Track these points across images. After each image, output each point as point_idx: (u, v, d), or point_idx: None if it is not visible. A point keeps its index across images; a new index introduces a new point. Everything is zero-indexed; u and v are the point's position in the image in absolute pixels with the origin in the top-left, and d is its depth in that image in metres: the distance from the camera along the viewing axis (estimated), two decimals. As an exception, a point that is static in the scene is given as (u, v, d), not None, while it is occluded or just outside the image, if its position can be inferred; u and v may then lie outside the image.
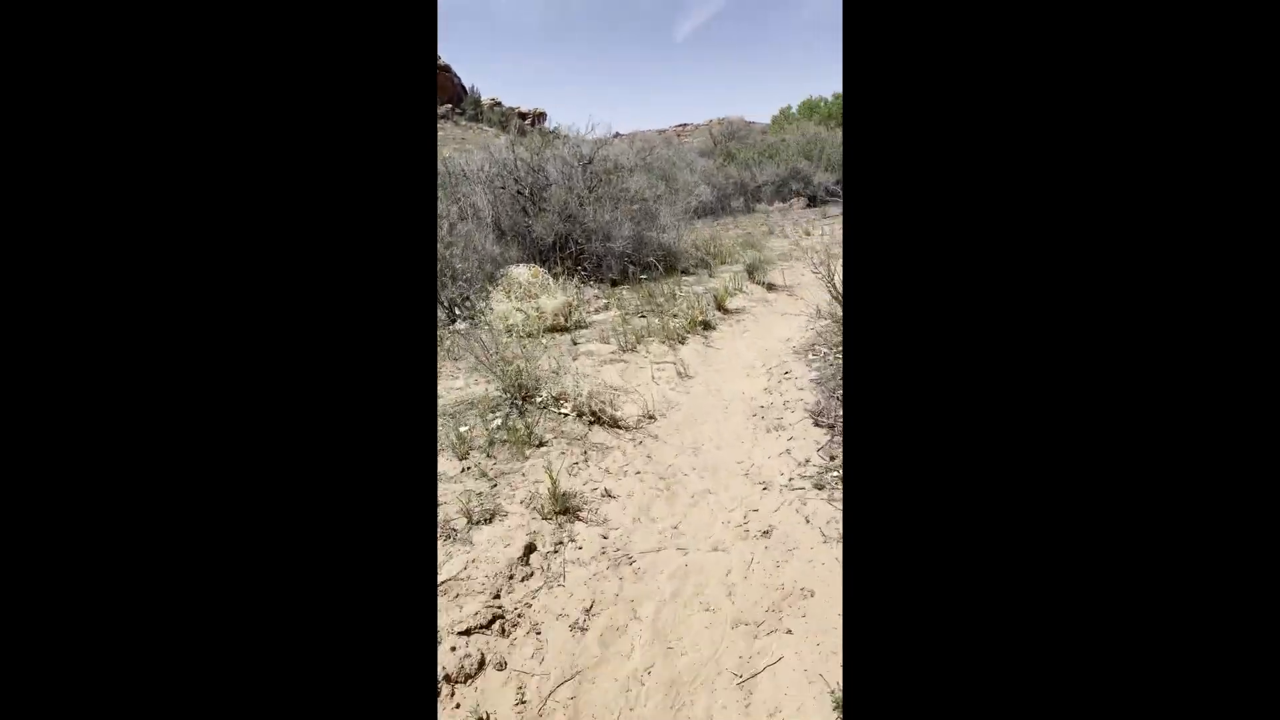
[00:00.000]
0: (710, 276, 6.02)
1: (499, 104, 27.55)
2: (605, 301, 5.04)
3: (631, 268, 5.74)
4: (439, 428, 2.59)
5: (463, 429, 2.58)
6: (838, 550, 1.82)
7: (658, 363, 3.70)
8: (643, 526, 2.04)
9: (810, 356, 3.60)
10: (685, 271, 6.12)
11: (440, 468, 2.31)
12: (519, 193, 5.89)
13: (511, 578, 1.75)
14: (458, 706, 1.37)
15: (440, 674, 1.43)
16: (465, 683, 1.42)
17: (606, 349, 3.87)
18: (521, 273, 4.76)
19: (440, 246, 4.68)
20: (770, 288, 5.79)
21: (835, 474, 2.23)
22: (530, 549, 1.87)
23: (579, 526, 2.02)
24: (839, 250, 7.47)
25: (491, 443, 2.50)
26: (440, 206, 5.41)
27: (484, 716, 1.35)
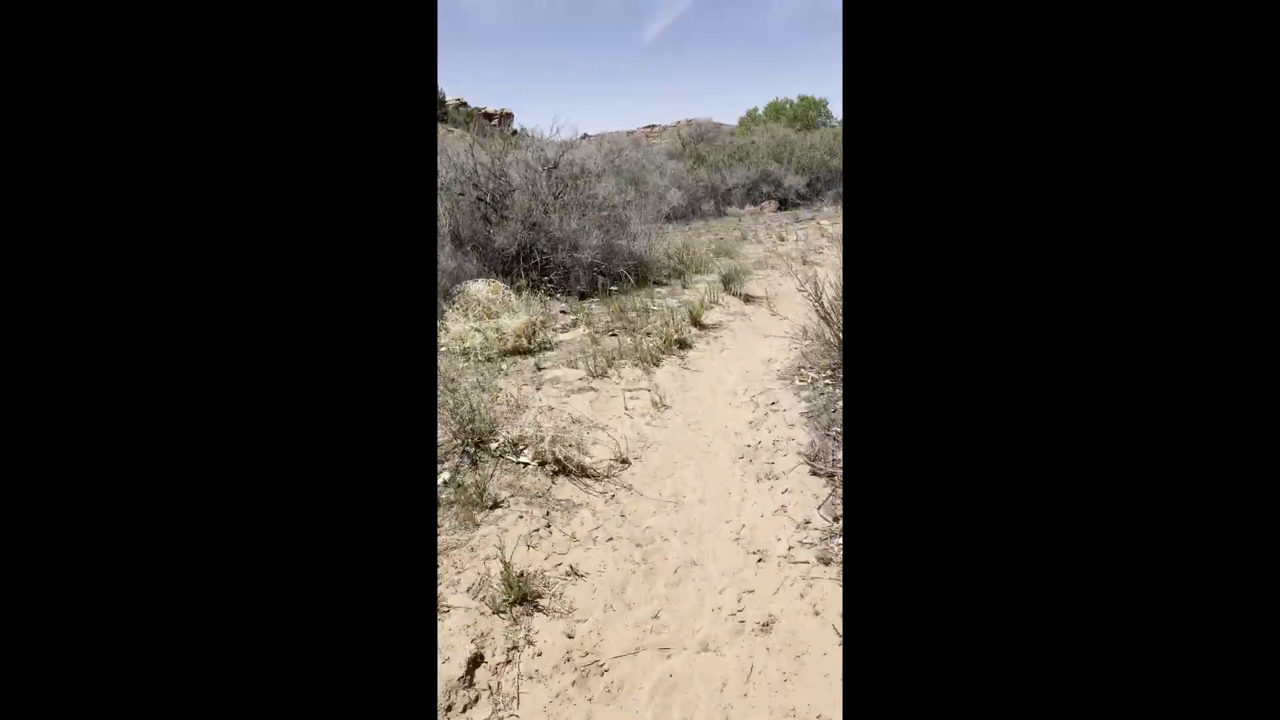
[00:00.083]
0: (684, 288, 5.70)
1: (464, 104, 26.87)
2: (573, 318, 4.67)
3: (601, 279, 5.38)
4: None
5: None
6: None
7: (631, 390, 3.34)
8: (617, 617, 1.69)
9: (797, 382, 3.28)
10: (658, 282, 5.78)
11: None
12: (479, 200, 5.48)
13: (450, 709, 1.37)
14: None
15: None
16: None
17: (574, 375, 3.50)
18: (480, 289, 4.36)
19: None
20: (748, 299, 5.49)
21: (841, 540, 1.91)
22: (476, 661, 1.49)
23: (538, 621, 1.65)
24: (815, 257, 7.22)
25: (436, 506, 2.12)
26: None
27: None
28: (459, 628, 1.58)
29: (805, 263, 6.79)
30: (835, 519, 2.02)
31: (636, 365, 3.67)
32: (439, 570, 1.80)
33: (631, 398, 3.24)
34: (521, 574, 1.78)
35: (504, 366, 3.61)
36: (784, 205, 12.37)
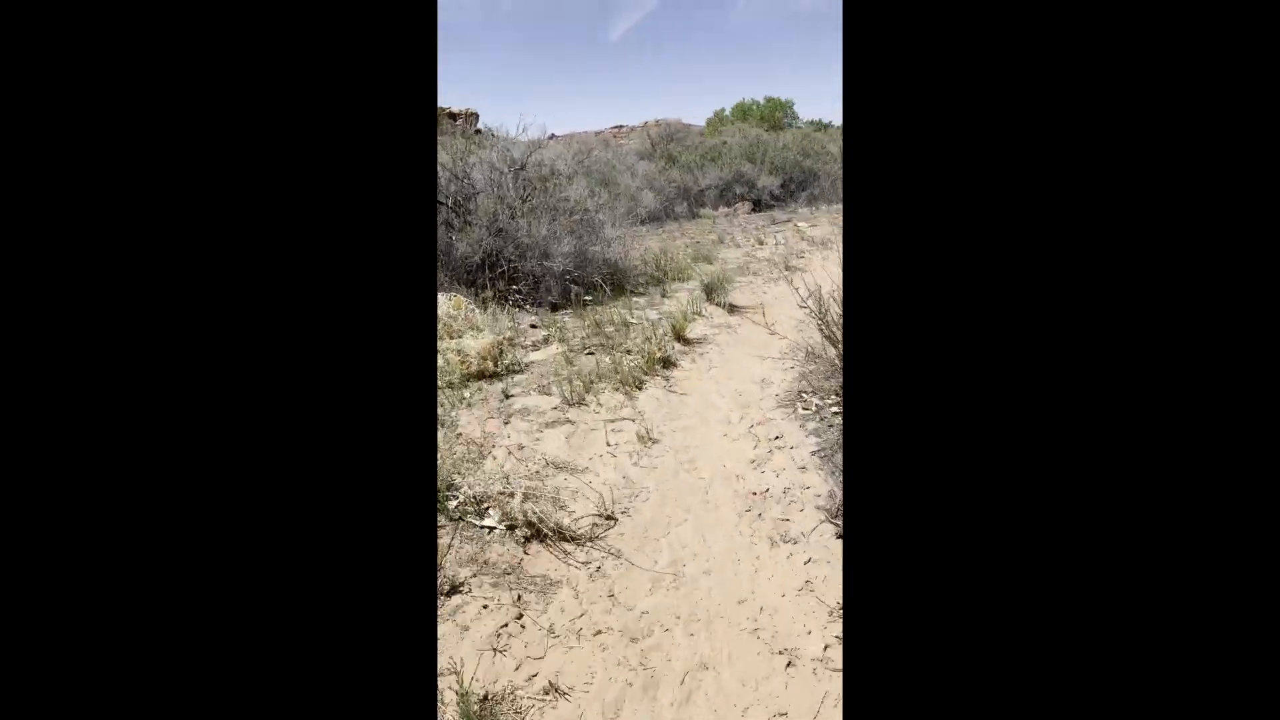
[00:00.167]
0: (664, 297, 5.31)
1: (426, 102, 26.09)
2: (544, 333, 4.24)
3: (574, 288, 4.97)
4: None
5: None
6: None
7: (613, 420, 2.94)
8: (611, 759, 1.29)
9: (800, 410, 2.92)
10: (635, 291, 5.38)
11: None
12: (439, 203, 5.01)
13: None
14: None
15: None
16: None
17: (547, 403, 3.08)
18: (441, 305, 3.90)
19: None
20: (732, 309, 5.12)
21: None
22: None
23: (508, 773, 1.24)
24: (798, 262, 6.91)
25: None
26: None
27: None
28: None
29: (789, 268, 6.47)
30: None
31: (617, 389, 3.27)
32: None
33: (614, 430, 2.84)
34: (486, 696, 1.37)
35: (466, 394, 3.17)
36: (758, 206, 12.11)
